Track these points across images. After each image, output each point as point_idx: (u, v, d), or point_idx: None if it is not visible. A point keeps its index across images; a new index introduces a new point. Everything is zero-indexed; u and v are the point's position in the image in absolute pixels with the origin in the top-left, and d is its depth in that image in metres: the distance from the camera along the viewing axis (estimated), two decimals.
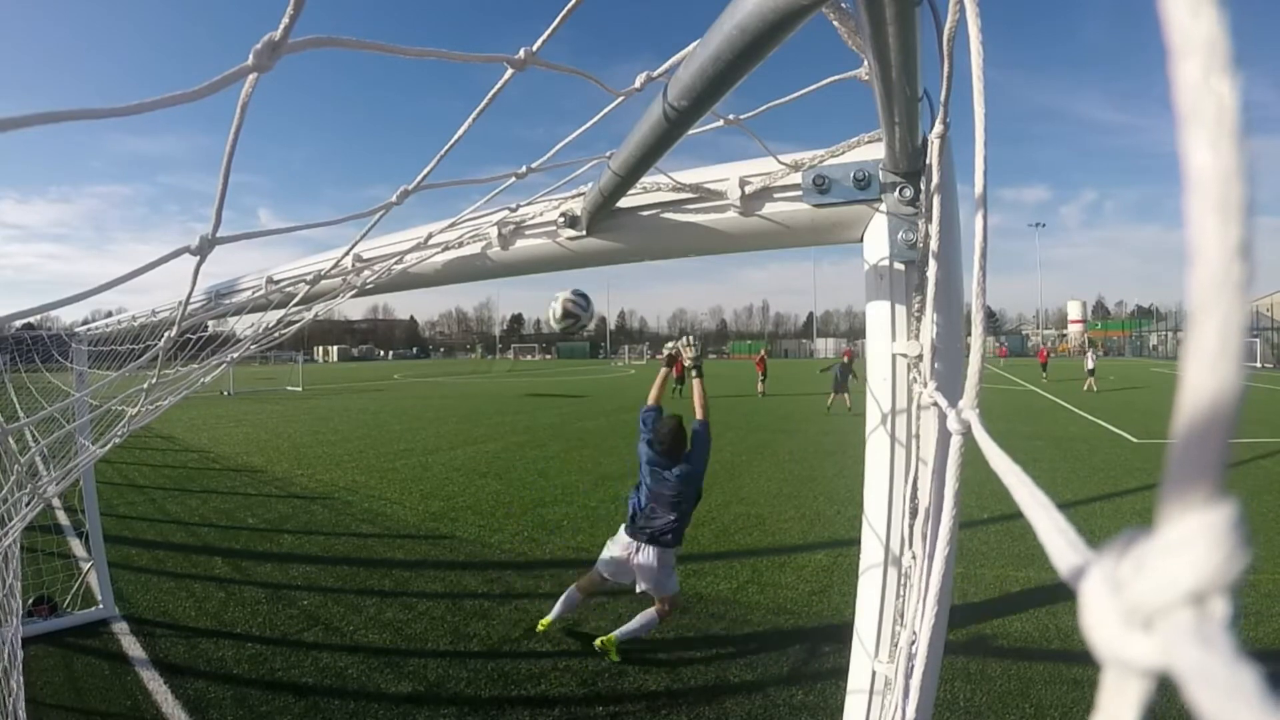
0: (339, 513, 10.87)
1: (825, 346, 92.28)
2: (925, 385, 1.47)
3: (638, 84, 1.29)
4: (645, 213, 2.04)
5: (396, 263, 2.45)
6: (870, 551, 1.85)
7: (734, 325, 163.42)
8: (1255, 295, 0.30)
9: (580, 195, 2.07)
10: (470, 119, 1.16)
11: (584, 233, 2.08)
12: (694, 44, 1.07)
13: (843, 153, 1.79)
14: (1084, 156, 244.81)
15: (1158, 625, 0.24)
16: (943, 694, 5.08)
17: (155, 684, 5.54)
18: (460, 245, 2.35)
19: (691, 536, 9.20)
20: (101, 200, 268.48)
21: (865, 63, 1.27)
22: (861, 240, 1.83)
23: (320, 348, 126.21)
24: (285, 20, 0.69)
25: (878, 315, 1.80)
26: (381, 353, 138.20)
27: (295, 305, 2.76)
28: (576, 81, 1.21)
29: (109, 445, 3.21)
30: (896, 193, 1.70)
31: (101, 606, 6.86)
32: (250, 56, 0.72)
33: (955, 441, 0.92)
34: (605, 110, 1.39)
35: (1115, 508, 10.29)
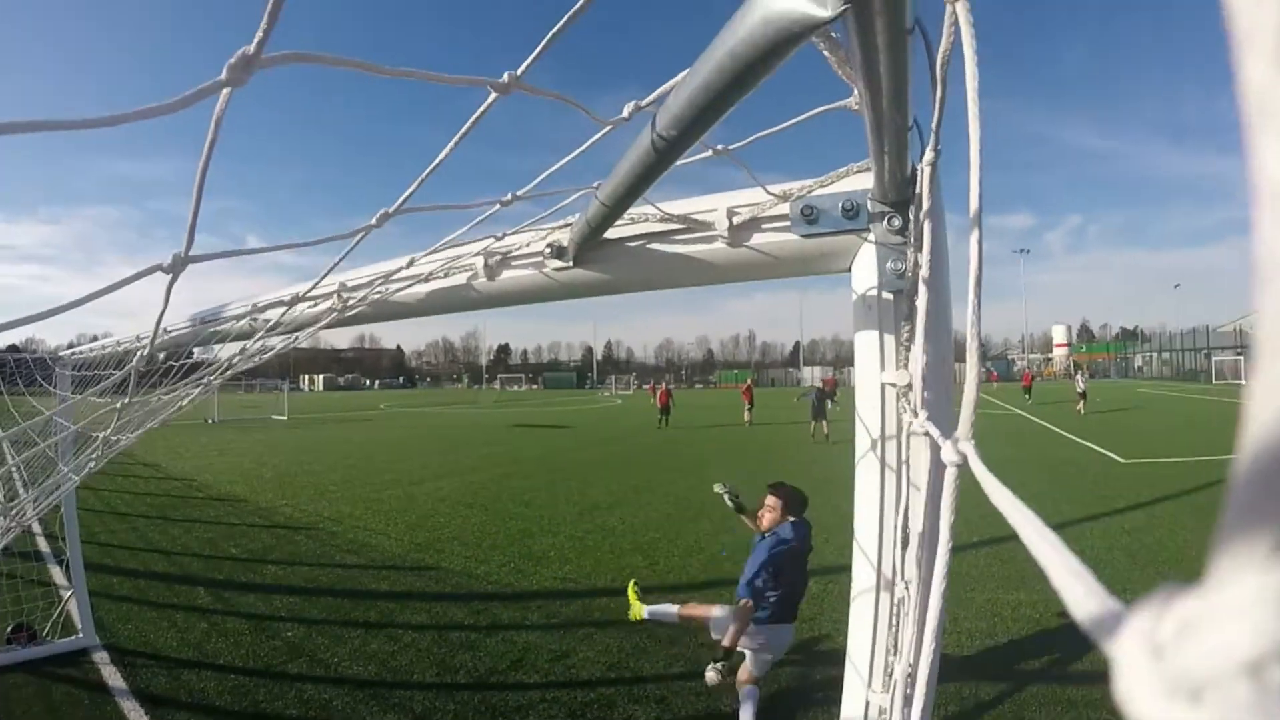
0: (323, 543, 10.77)
1: (812, 375, 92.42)
2: (915, 415, 1.45)
3: (625, 113, 1.29)
4: (633, 244, 2.03)
5: (380, 290, 2.44)
6: (862, 579, 1.83)
7: (720, 355, 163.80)
8: None
9: (567, 225, 2.07)
10: (453, 142, 1.15)
11: (571, 264, 2.07)
12: (683, 73, 1.07)
13: (831, 182, 1.79)
14: (1068, 183, 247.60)
15: (1208, 698, 0.21)
16: (936, 719, 5.05)
17: (136, 715, 5.45)
18: (446, 275, 2.34)
19: (680, 566, 9.20)
20: (90, 222, 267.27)
21: (855, 92, 1.27)
22: (849, 270, 1.83)
23: (306, 376, 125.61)
24: (259, 34, 0.68)
25: (866, 345, 1.79)
26: (368, 382, 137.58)
27: (279, 332, 2.74)
28: (563, 114, 1.21)
29: (85, 470, 3.17)
30: (885, 222, 1.70)
31: (81, 635, 6.76)
32: (224, 71, 0.71)
33: (950, 473, 0.91)
34: (592, 140, 1.38)
35: (1104, 528, 10.35)
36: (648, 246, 2.01)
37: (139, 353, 1.63)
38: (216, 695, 5.79)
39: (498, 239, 2.21)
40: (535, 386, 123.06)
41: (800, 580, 5.22)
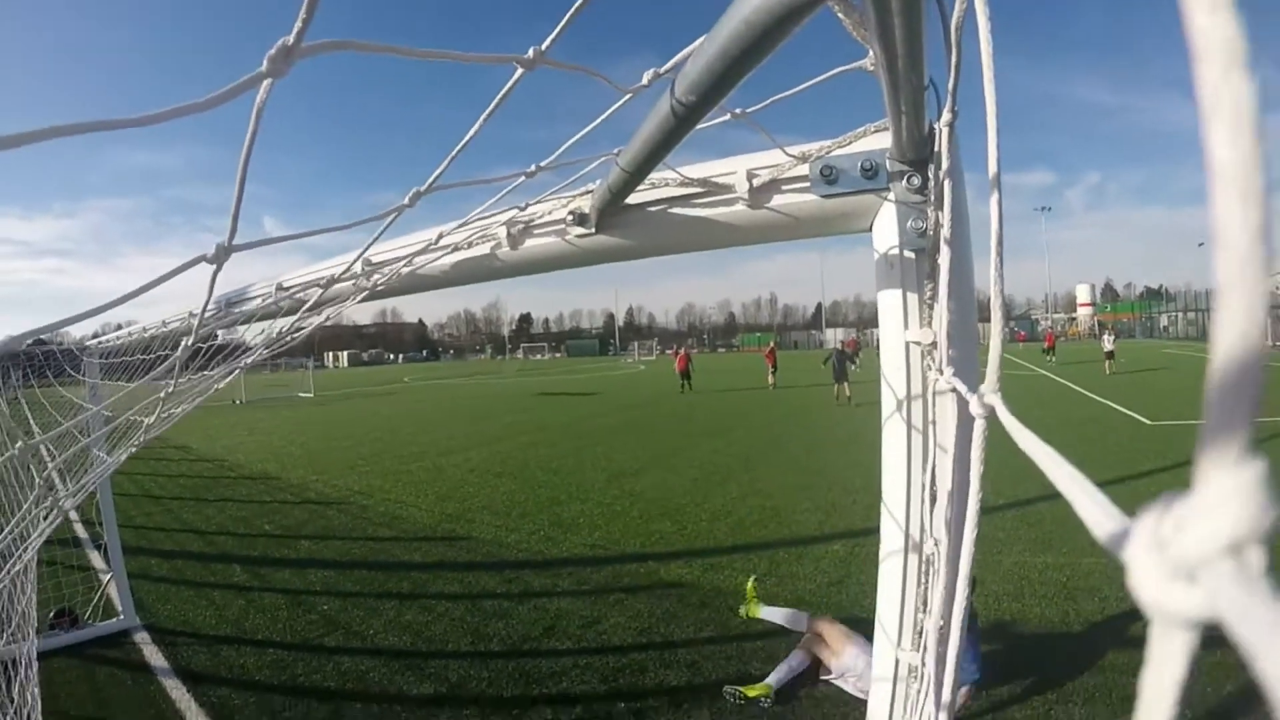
0: (355, 517, 10.93)
1: (834, 336, 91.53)
2: (941, 372, 1.47)
3: (645, 81, 1.30)
4: (654, 208, 2.04)
5: (406, 265, 2.46)
6: (890, 540, 1.85)
7: (742, 318, 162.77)
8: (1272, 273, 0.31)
9: (588, 193, 2.08)
10: (481, 119, 1.17)
11: (593, 230, 2.09)
12: (700, 40, 1.07)
13: (849, 143, 1.79)
14: (1085, 140, 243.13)
15: (1201, 577, 0.26)
16: None
17: (178, 693, 5.58)
18: (469, 246, 2.36)
19: (708, 530, 9.25)
20: (105, 214, 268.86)
21: (871, 53, 1.28)
22: (870, 230, 1.83)
23: (330, 353, 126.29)
24: (298, 25, 0.69)
25: (889, 304, 1.80)
26: (391, 356, 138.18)
27: (306, 311, 2.77)
28: (580, 84, 1.22)
29: (124, 456, 3.23)
30: (904, 181, 1.70)
31: (122, 617, 6.92)
32: (264, 62, 0.72)
33: (979, 426, 0.93)
34: (613, 108, 1.39)
35: (1131, 490, 10.20)
36: (669, 211, 2.02)
37: (183, 341, 1.66)
38: (256, 670, 5.93)
39: (521, 209, 2.23)
40: (558, 355, 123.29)
41: None
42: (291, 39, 0.70)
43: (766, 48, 0.95)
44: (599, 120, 1.45)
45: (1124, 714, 4.80)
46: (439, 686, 5.54)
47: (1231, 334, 0.27)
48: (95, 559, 8.90)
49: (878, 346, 1.92)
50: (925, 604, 1.76)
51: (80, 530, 10.07)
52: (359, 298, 2.68)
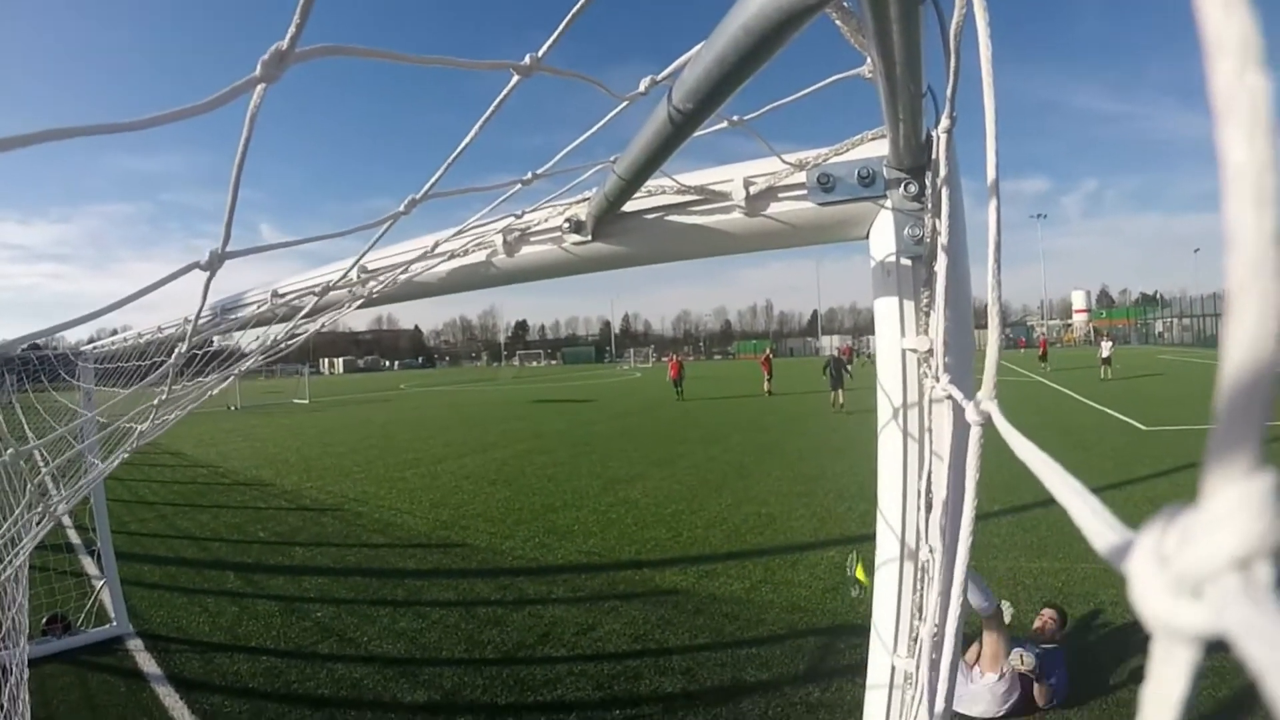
0: (349, 524, 10.90)
1: (830, 344, 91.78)
2: (937, 379, 1.47)
3: (642, 88, 1.30)
4: (650, 216, 2.04)
5: (402, 272, 2.46)
6: (886, 547, 1.84)
7: (738, 326, 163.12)
8: None
9: (585, 200, 2.07)
10: (478, 126, 1.16)
11: (589, 238, 2.08)
12: (698, 47, 1.07)
13: (846, 150, 1.79)
14: (1082, 147, 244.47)
15: (1207, 592, 0.25)
16: None
17: (171, 700, 5.56)
18: (466, 253, 2.35)
19: (703, 537, 9.25)
20: (102, 219, 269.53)
21: (869, 60, 1.28)
22: (867, 237, 1.83)
23: (325, 359, 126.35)
24: (292, 29, 0.69)
25: (886, 311, 1.80)
26: (387, 363, 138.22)
27: (301, 317, 2.77)
28: (575, 91, 1.22)
29: (117, 461, 3.22)
30: (901, 188, 1.70)
31: (115, 624, 6.88)
32: (258, 67, 0.71)
33: (975, 433, 0.93)
34: (610, 116, 1.39)
35: (1127, 496, 10.22)
36: (665, 218, 2.02)
37: (178, 347, 1.66)
38: (250, 677, 5.91)
39: (517, 216, 2.22)
40: (554, 362, 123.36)
41: None
42: (285, 44, 0.70)
43: (764, 55, 0.94)
44: (596, 128, 1.45)
45: None
46: (433, 694, 5.51)
47: (1243, 341, 0.26)
48: (88, 565, 8.88)
49: (870, 354, 1.92)
50: (920, 610, 1.75)
51: (73, 536, 10.04)
52: (355, 305, 2.68)
